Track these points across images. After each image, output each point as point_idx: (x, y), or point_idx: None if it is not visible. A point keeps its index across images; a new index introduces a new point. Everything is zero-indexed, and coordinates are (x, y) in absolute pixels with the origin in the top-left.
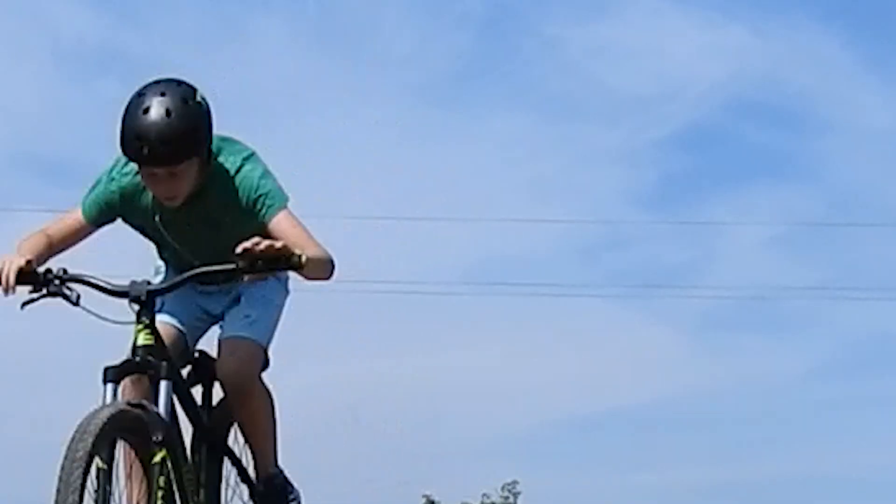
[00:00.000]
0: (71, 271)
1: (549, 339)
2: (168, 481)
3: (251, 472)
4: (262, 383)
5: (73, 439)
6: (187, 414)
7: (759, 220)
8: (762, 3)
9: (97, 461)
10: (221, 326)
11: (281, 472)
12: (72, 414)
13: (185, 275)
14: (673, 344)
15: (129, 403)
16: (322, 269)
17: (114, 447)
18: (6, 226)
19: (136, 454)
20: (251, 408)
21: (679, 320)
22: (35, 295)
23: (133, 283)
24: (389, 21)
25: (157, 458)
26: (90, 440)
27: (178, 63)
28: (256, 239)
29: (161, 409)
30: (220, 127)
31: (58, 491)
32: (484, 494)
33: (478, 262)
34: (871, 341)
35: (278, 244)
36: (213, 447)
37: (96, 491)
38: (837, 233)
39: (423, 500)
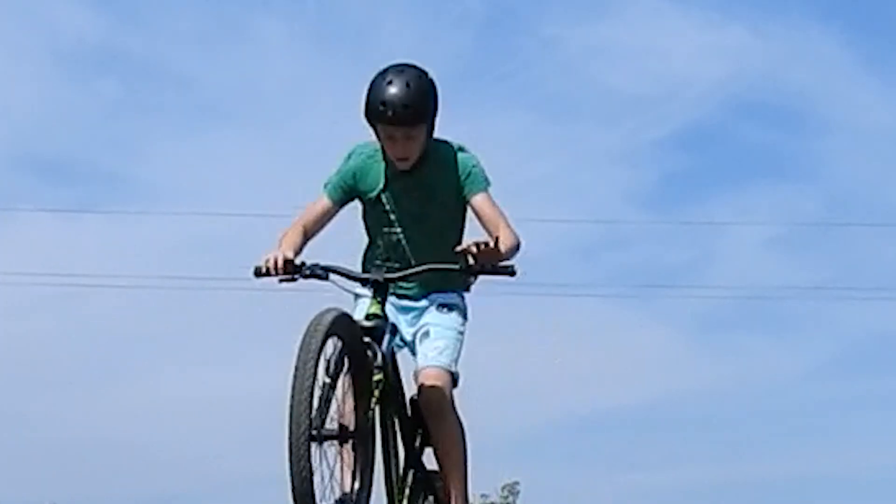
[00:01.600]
0: (322, 263)
1: (549, 339)
2: (381, 402)
3: None
4: (456, 412)
5: (307, 329)
6: (404, 439)
7: (759, 220)
8: (762, 3)
9: (322, 376)
10: (415, 358)
11: None
12: (72, 414)
13: (417, 269)
14: (673, 344)
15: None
16: (514, 254)
17: (340, 361)
18: (6, 226)
19: (356, 369)
20: (446, 430)
21: (679, 320)
22: (296, 277)
23: (374, 270)
24: (389, 21)
25: (376, 377)
26: (324, 327)
27: (178, 63)
28: (472, 243)
29: (384, 347)
30: (218, 123)
31: (294, 380)
32: (483, 494)
33: None
34: (871, 341)
35: (493, 250)
36: (421, 478)
37: (320, 398)
38: (837, 233)
39: None
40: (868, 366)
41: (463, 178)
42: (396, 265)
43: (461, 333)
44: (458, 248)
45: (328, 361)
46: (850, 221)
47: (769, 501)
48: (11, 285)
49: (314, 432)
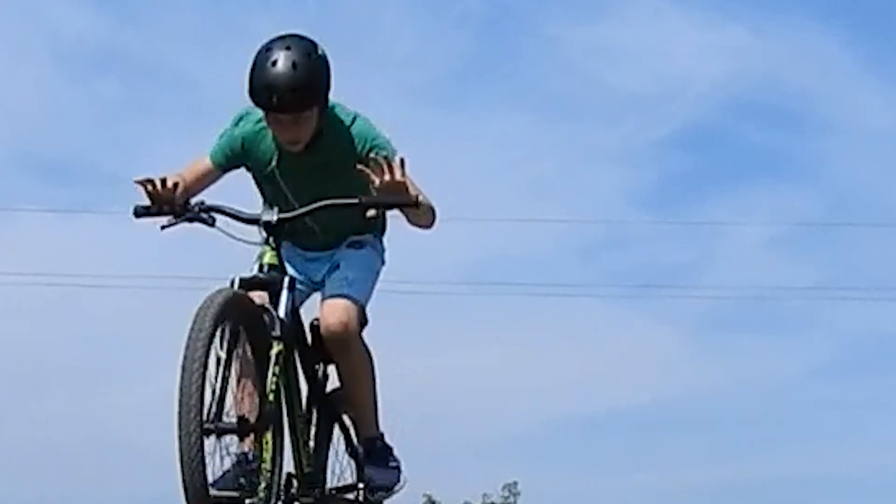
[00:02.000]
0: (208, 202)
1: (549, 339)
2: (282, 373)
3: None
4: (363, 341)
5: (197, 315)
6: (305, 374)
7: (759, 220)
8: (762, 3)
9: (217, 350)
10: (322, 291)
11: (382, 435)
12: (72, 414)
13: (313, 206)
14: (673, 344)
15: (251, 300)
16: (427, 216)
17: (235, 337)
18: (6, 226)
19: (254, 343)
20: (352, 362)
21: (679, 320)
22: (177, 220)
23: (264, 211)
24: (389, 21)
25: (275, 350)
26: (214, 313)
27: (178, 63)
28: (378, 166)
29: (281, 312)
30: (218, 123)
31: (183, 364)
32: (484, 494)
33: (478, 262)
34: (871, 341)
35: (399, 177)
36: (326, 411)
37: (216, 377)
38: (837, 233)
39: (424, 499)
40: (868, 366)
41: (365, 151)
42: (305, 242)
43: (376, 273)
44: (360, 167)
45: (221, 341)
46: (850, 221)
47: (769, 501)
48: (11, 285)
49: (210, 426)
